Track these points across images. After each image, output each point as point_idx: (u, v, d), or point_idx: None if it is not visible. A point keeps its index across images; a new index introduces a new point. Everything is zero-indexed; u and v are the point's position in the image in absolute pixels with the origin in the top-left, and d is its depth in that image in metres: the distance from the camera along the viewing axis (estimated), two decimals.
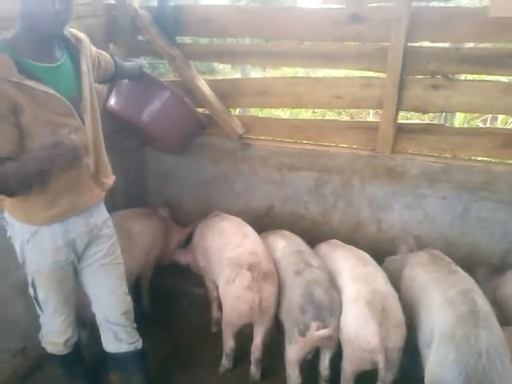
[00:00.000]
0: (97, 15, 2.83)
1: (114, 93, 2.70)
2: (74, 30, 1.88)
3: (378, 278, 2.30)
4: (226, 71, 9.00)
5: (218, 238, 2.69)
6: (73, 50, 1.84)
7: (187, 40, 3.22)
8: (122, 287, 2.18)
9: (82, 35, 1.91)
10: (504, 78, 2.61)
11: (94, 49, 2.03)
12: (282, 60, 2.92)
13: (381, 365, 1.97)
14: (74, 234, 1.93)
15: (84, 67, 1.85)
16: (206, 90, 2.96)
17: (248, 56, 3.03)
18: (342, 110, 6.32)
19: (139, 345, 2.25)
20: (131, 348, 2.21)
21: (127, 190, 3.23)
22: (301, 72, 6.56)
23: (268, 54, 2.92)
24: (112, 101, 2.71)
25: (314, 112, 6.19)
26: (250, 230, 2.71)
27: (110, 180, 2.09)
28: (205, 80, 3.08)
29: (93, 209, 2.00)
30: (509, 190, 2.59)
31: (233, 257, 2.45)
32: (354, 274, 2.35)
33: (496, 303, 2.38)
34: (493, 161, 2.77)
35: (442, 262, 2.29)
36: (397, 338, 2.04)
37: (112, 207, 2.85)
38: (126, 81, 2.64)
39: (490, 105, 2.56)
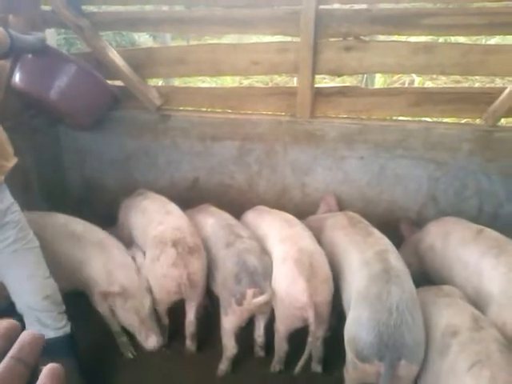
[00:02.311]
0: None
1: (17, 69, 2.53)
2: None
3: (304, 237, 2.36)
4: (147, 44, 8.69)
5: (141, 218, 2.64)
6: None
7: (96, 9, 3.05)
8: (39, 271, 2.09)
9: None
10: (414, 38, 2.68)
11: None
12: (196, 27, 2.84)
13: (311, 319, 2.02)
14: None
15: None
16: (119, 60, 2.83)
17: (161, 24, 2.92)
18: (268, 79, 6.32)
19: (67, 329, 2.17)
20: (59, 333, 2.13)
21: (41, 170, 3.06)
22: (223, 40, 6.46)
23: (182, 21, 2.82)
24: (16, 78, 2.54)
25: (240, 83, 6.15)
26: (173, 207, 2.65)
27: (10, 163, 1.96)
28: (118, 50, 2.94)
29: None
30: (422, 146, 2.71)
31: (156, 235, 2.40)
32: (281, 236, 2.39)
33: (418, 256, 2.53)
34: (406, 119, 2.88)
35: (360, 224, 2.36)
36: (325, 293, 2.10)
37: (24, 189, 2.72)
38: (30, 56, 2.47)
39: (402, 65, 2.64)
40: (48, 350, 1.79)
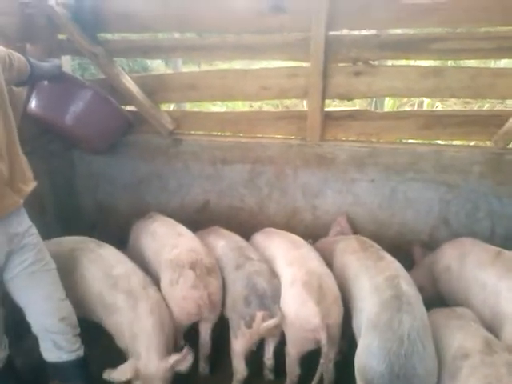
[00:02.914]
0: (8, 14, 2.69)
1: (33, 96, 2.60)
2: None
3: (311, 259, 2.37)
4: (160, 69, 8.85)
5: (152, 241, 2.65)
6: None
7: (110, 36, 3.13)
8: (56, 293, 2.10)
9: None
10: (422, 62, 2.71)
11: (2, 48, 1.93)
12: (207, 53, 2.90)
13: (323, 341, 2.01)
14: None
15: None
16: (132, 86, 2.89)
17: (173, 51, 2.99)
18: (277, 103, 6.39)
19: (81, 353, 2.17)
20: (72, 357, 2.13)
21: (55, 194, 3.11)
22: (234, 65, 6.56)
23: (194, 48, 2.89)
24: (33, 104, 2.61)
25: (251, 106, 6.22)
26: (183, 229, 2.67)
27: (30, 186, 2.00)
28: (131, 76, 3.00)
29: (11, 218, 1.90)
30: (432, 169, 2.72)
31: (172, 258, 2.40)
32: (289, 258, 2.40)
33: (433, 278, 2.52)
34: (417, 142, 2.90)
35: (372, 248, 2.34)
36: (335, 314, 2.10)
37: (40, 213, 2.76)
38: (46, 82, 2.55)
39: (410, 88, 2.66)
40: (61, 372, 1.80)
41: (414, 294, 1.96)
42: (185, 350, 2.14)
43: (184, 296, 2.28)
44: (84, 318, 2.31)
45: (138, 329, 2.15)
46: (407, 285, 1.99)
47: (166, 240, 2.57)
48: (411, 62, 2.86)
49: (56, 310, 2.08)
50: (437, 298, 2.40)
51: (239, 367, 2.28)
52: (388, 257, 2.24)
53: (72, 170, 3.32)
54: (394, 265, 2.17)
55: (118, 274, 2.30)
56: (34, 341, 2.14)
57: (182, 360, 2.11)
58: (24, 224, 1.98)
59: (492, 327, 1.99)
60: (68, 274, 2.28)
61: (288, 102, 6.42)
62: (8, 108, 1.85)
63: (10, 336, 2.13)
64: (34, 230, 2.05)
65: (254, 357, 2.33)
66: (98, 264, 2.36)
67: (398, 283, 1.98)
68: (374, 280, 2.07)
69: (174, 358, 2.10)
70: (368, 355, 1.78)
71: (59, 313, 2.09)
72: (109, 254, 2.43)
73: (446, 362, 1.81)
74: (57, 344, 2.09)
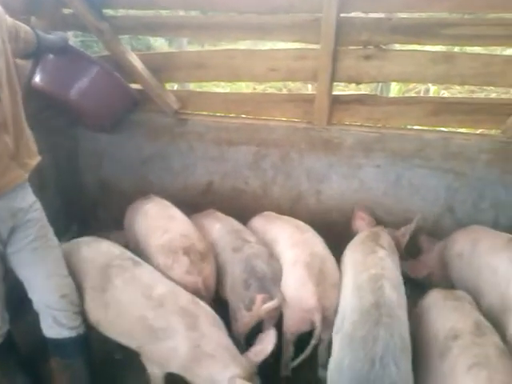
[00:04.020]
0: None
1: (38, 69, 2.56)
2: None
3: (316, 242, 2.39)
4: (163, 48, 8.74)
5: (143, 222, 2.63)
6: None
7: (116, 12, 3.07)
8: (59, 270, 2.10)
9: None
10: (433, 48, 2.67)
11: (10, 19, 1.89)
12: (216, 33, 2.84)
13: (317, 322, 2.04)
14: None
15: None
16: (138, 64, 2.85)
17: (181, 29, 2.92)
18: (281, 85, 6.33)
19: (81, 330, 2.17)
20: (73, 333, 2.13)
21: (57, 170, 3.09)
22: (240, 46, 6.48)
23: (201, 27, 2.83)
24: (37, 78, 2.56)
25: (254, 89, 6.16)
26: (176, 212, 2.66)
27: (34, 160, 1.98)
28: (137, 54, 2.95)
29: (16, 192, 1.88)
30: (439, 156, 2.70)
31: (163, 244, 2.39)
32: (293, 241, 2.41)
33: (443, 264, 2.53)
34: (424, 129, 2.87)
35: (371, 242, 2.29)
36: (333, 298, 2.11)
37: (40, 188, 2.73)
38: (51, 56, 2.50)
39: (421, 74, 2.62)
40: (61, 349, 1.79)
41: (396, 300, 1.88)
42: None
43: (179, 282, 2.27)
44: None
45: (210, 347, 1.90)
46: (390, 288, 1.92)
47: (157, 222, 2.55)
48: (422, 47, 2.80)
49: (58, 287, 2.08)
50: (446, 284, 2.38)
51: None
52: (380, 251, 2.19)
53: (75, 147, 3.29)
54: (382, 262, 2.10)
55: (160, 294, 2.07)
56: (35, 318, 2.14)
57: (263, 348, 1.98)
58: (28, 199, 1.97)
59: (501, 312, 2.00)
60: (99, 292, 2.14)
61: (291, 85, 6.36)
62: (14, 80, 1.82)
63: (11, 312, 2.12)
64: (38, 206, 2.04)
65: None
66: (134, 285, 2.11)
67: (381, 286, 1.91)
68: (359, 278, 2.03)
69: (255, 350, 1.96)
70: (339, 373, 1.72)
71: (61, 290, 2.09)
72: (144, 273, 2.20)
73: (438, 341, 1.84)
74: (57, 320, 2.09)
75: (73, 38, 3.57)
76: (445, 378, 1.70)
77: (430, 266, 2.55)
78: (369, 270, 2.03)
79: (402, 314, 1.86)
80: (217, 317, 2.07)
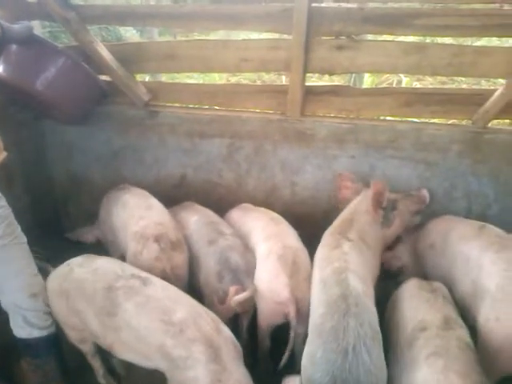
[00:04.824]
0: None
1: (2, 60, 2.46)
2: None
3: (289, 235, 2.39)
4: (134, 39, 8.59)
5: (122, 212, 2.61)
6: None
7: (84, 1, 2.99)
8: (27, 268, 2.07)
9: None
10: (406, 38, 2.67)
11: None
12: (186, 22, 2.79)
13: (292, 314, 2.03)
14: None
15: None
16: (106, 55, 2.78)
17: (151, 18, 2.85)
18: (256, 77, 6.30)
19: (52, 329, 2.15)
20: (43, 333, 2.11)
21: (24, 166, 3.02)
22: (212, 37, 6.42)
23: (172, 17, 2.77)
24: (0, 69, 2.46)
25: (228, 80, 6.11)
26: (155, 202, 2.64)
27: (0, 157, 1.92)
28: (106, 45, 2.88)
29: None
30: (411, 146, 2.71)
31: (137, 230, 2.38)
32: (267, 233, 2.41)
33: (417, 256, 2.56)
34: (397, 119, 2.88)
35: (338, 235, 2.24)
36: (306, 290, 2.09)
37: (7, 186, 2.66)
38: (15, 46, 2.41)
39: (393, 64, 2.62)
40: (32, 349, 1.76)
41: (361, 291, 1.87)
42: None
43: (148, 268, 2.24)
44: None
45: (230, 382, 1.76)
46: (354, 279, 1.90)
47: (135, 211, 2.53)
48: (394, 38, 2.80)
49: (27, 286, 2.04)
50: (419, 276, 2.40)
51: None
52: (345, 245, 2.14)
53: (43, 141, 3.20)
54: (345, 256, 2.06)
55: (180, 319, 1.84)
56: (5, 317, 2.09)
57: None
58: None
59: (473, 299, 2.03)
60: (106, 317, 1.94)
61: (265, 77, 6.34)
62: None
63: None
64: (4, 203, 1.98)
65: None
66: (149, 309, 1.89)
67: (345, 278, 1.89)
68: (323, 272, 2.01)
69: None
70: (312, 366, 1.71)
71: (30, 289, 2.05)
72: (157, 292, 1.97)
73: (408, 331, 1.87)
74: (27, 320, 2.06)
75: (40, 29, 3.46)
76: (408, 366, 1.74)
77: (402, 258, 2.56)
78: (333, 263, 2.01)
79: (369, 303, 1.86)
80: (238, 345, 1.91)
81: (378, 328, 1.79)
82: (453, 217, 2.52)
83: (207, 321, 1.88)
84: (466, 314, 2.08)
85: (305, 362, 1.77)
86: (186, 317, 1.85)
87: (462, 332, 1.81)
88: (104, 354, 2.21)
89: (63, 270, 2.13)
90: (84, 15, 2.74)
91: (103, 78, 2.88)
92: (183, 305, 1.93)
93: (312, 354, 1.73)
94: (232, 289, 2.16)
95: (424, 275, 2.44)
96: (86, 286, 2.00)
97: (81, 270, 2.08)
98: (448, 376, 1.60)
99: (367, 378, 1.62)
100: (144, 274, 2.05)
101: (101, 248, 2.86)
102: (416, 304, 1.99)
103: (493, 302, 1.90)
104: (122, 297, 1.92)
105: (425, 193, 2.62)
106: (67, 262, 2.18)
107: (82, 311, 1.99)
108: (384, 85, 5.55)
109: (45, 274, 2.20)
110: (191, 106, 3.08)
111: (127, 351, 1.95)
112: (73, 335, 2.14)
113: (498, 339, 1.83)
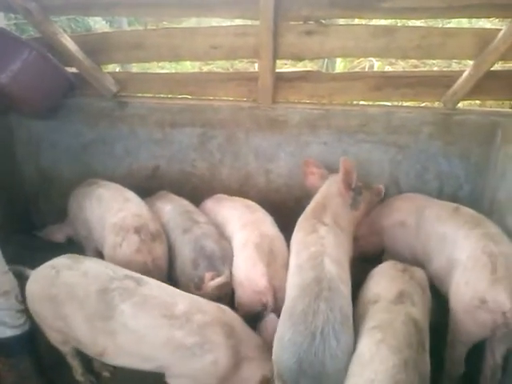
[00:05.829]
0: None
1: None
2: None
3: (265, 222, 2.40)
4: (104, 30, 8.42)
5: (98, 206, 2.55)
6: None
7: None
8: None
9: None
10: (373, 21, 2.67)
11: None
12: (152, 10, 2.74)
13: (270, 303, 2.06)
14: None
15: None
16: (72, 46, 2.70)
17: (115, 7, 2.76)
18: (228, 65, 6.23)
19: (26, 327, 2.11)
20: (17, 332, 2.07)
21: None
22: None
23: (137, 4, 2.70)
24: None
25: (200, 69, 6.03)
26: (130, 194, 2.61)
27: None
28: (71, 36, 2.81)
29: None
30: (383, 130, 2.72)
31: (116, 222, 2.35)
32: (243, 221, 2.41)
33: (381, 233, 2.58)
34: (368, 104, 2.89)
35: (314, 220, 2.23)
36: (284, 278, 2.08)
37: None
38: None
39: (362, 48, 2.62)
40: (5, 348, 1.72)
41: (336, 275, 1.86)
42: None
43: (128, 260, 2.23)
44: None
45: (248, 350, 1.88)
46: (330, 264, 1.90)
47: (112, 204, 2.49)
48: (363, 22, 2.80)
49: None
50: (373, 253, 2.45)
51: None
52: (321, 230, 2.13)
53: (9, 136, 3.12)
54: (322, 240, 2.06)
55: (184, 310, 1.85)
56: None
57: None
58: None
59: (446, 273, 2.08)
60: (100, 321, 1.86)
61: (238, 65, 6.27)
62: None
63: None
64: None
65: None
66: (149, 308, 1.86)
67: (321, 262, 1.90)
68: (299, 257, 2.01)
69: None
70: (281, 348, 1.72)
71: (1, 286, 2.00)
72: (153, 290, 1.94)
73: (363, 304, 1.90)
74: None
75: (5, 22, 3.35)
76: (357, 338, 1.75)
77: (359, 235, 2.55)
78: (309, 248, 2.01)
79: (343, 287, 1.85)
80: (239, 317, 2.00)
81: (350, 313, 1.80)
82: (417, 194, 2.57)
83: (210, 305, 1.94)
84: (439, 289, 2.15)
85: (275, 343, 1.78)
86: (189, 307, 1.88)
87: (413, 309, 1.80)
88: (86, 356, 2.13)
89: (47, 273, 1.99)
90: (45, 5, 2.64)
91: (70, 69, 2.81)
92: (182, 297, 1.95)
93: (281, 337, 1.74)
94: (207, 275, 2.17)
95: (378, 252, 2.51)
96: (77, 290, 1.90)
97: (69, 272, 1.97)
98: (380, 348, 1.61)
99: (333, 363, 1.63)
100: (136, 275, 2.00)
101: (73, 244, 2.83)
102: (378, 279, 2.02)
103: (463, 270, 1.97)
104: (117, 298, 1.86)
105: (382, 187, 2.69)
106: (50, 263, 2.03)
107: (69, 316, 1.89)
108: (356, 69, 5.56)
109: (22, 277, 2.10)
110: (161, 95, 3.03)
111: (122, 355, 1.89)
112: (54, 337, 2.05)
113: (465, 301, 1.90)
